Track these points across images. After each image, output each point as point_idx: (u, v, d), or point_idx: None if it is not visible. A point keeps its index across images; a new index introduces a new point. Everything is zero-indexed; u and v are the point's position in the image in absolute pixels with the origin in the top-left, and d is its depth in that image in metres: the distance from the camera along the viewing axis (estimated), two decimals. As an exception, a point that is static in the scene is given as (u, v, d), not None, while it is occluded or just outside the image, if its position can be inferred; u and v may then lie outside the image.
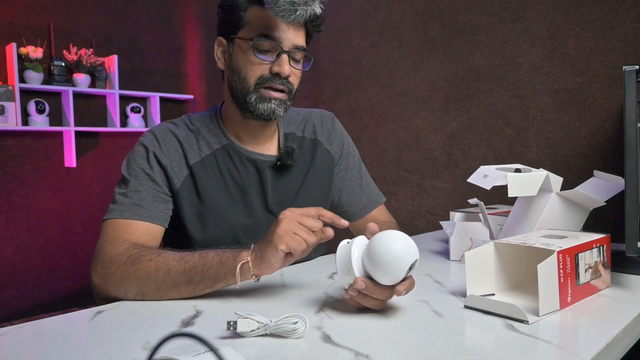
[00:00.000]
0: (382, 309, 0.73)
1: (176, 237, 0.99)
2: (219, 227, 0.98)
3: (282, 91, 0.95)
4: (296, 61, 0.97)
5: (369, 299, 0.70)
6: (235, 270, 0.76)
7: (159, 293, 0.80)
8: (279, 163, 1.03)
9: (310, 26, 0.97)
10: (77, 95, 2.68)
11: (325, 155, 1.12)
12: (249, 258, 0.76)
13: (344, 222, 0.77)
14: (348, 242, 0.73)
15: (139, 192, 0.93)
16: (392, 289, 0.69)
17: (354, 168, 1.17)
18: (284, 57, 0.93)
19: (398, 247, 0.67)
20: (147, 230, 0.91)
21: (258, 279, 0.78)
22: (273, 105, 0.95)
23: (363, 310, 0.73)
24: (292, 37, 0.94)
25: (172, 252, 0.82)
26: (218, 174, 0.99)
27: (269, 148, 1.05)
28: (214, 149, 1.00)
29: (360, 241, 0.72)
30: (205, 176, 0.98)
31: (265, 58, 0.93)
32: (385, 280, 0.68)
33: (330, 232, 0.76)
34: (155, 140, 0.97)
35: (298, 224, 0.74)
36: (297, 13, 0.88)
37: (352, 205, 1.16)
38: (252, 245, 0.78)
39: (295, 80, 0.98)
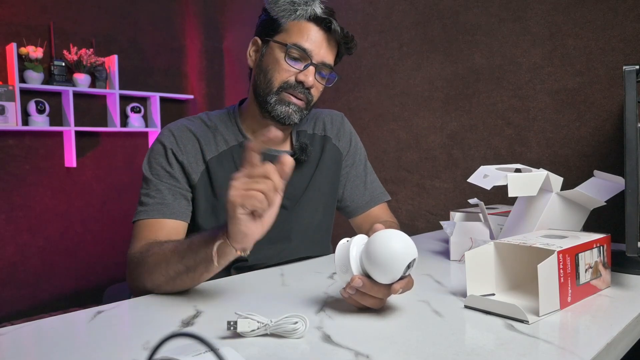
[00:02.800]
0: (382, 309, 0.73)
1: (189, 230, 1.01)
2: None
3: (301, 100, 0.99)
4: (322, 76, 1.02)
5: (367, 298, 0.70)
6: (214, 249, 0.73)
7: (169, 285, 0.81)
8: (293, 158, 1.05)
9: (344, 48, 1.03)
10: (77, 95, 2.68)
11: (333, 150, 1.15)
12: (225, 236, 0.73)
13: (285, 158, 0.68)
14: (347, 241, 0.73)
15: (160, 192, 0.96)
16: (389, 288, 0.69)
17: (360, 165, 1.20)
18: (311, 68, 0.98)
19: (396, 246, 0.67)
20: (171, 227, 0.94)
21: (245, 253, 0.74)
22: (290, 110, 0.98)
23: (363, 310, 0.73)
24: (324, 53, 0.99)
25: (170, 242, 0.84)
26: (234, 169, 1.01)
27: (283, 145, 1.09)
28: (231, 145, 1.03)
29: (359, 240, 0.72)
30: (221, 171, 1.00)
31: (294, 65, 0.98)
32: (383, 279, 0.68)
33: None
34: (172, 136, 1.00)
35: (248, 180, 0.68)
36: (297, 13, 0.90)
37: (354, 200, 1.18)
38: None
39: (316, 93, 1.02)
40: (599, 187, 1.00)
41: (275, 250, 1.05)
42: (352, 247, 0.71)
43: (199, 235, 0.79)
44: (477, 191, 1.60)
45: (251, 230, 0.70)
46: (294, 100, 0.98)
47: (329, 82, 1.04)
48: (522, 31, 1.52)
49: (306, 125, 1.14)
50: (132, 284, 0.88)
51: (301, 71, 0.97)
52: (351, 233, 1.05)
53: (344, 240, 0.73)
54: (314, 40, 0.98)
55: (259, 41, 1.03)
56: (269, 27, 1.00)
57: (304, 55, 0.97)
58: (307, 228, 1.10)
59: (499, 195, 1.53)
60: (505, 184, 0.92)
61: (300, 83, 0.98)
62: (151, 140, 2.99)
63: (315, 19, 0.98)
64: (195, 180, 0.99)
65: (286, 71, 0.98)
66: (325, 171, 1.12)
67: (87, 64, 2.62)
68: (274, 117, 0.99)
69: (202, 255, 0.76)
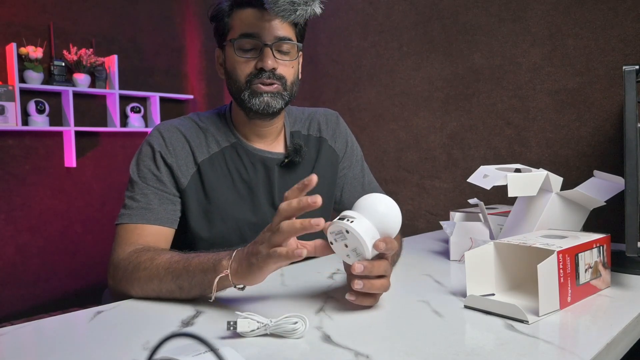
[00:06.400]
0: (382, 309, 0.73)
1: (182, 235, 1.00)
2: (225, 224, 0.99)
3: (271, 84, 0.95)
4: (283, 53, 0.97)
5: (373, 281, 0.70)
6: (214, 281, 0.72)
7: (159, 297, 0.81)
8: (286, 160, 1.04)
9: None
10: (77, 95, 2.68)
11: (330, 152, 1.13)
12: (228, 271, 0.71)
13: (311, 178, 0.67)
14: (350, 219, 0.69)
15: (146, 196, 0.94)
16: (383, 261, 0.70)
17: (357, 166, 1.18)
18: (266, 51, 0.94)
19: (385, 198, 0.73)
20: (156, 233, 0.92)
21: (243, 288, 0.73)
22: (266, 99, 0.95)
23: (363, 310, 0.73)
24: (273, 30, 0.94)
25: (164, 257, 0.81)
26: (226, 171, 1.00)
27: (277, 146, 1.07)
28: (223, 146, 1.01)
29: (354, 213, 0.71)
30: (213, 173, 0.99)
31: (249, 56, 0.95)
32: (394, 230, 0.71)
33: (318, 222, 0.65)
34: (161, 139, 0.98)
35: (273, 237, 0.67)
36: (297, 13, 0.89)
37: (353, 202, 1.16)
38: (234, 254, 0.73)
39: (286, 71, 0.97)
40: (599, 187, 1.00)
41: None
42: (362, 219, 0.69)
43: (197, 258, 0.77)
44: (477, 191, 1.60)
45: (263, 279, 0.71)
46: (264, 88, 0.95)
47: (292, 55, 0.98)
48: (522, 31, 1.52)
49: (300, 126, 1.11)
50: (117, 289, 0.85)
51: (258, 57, 0.94)
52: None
53: (347, 223, 0.68)
54: (255, 23, 0.94)
55: (219, 51, 1.02)
56: (220, 34, 1.00)
57: (254, 42, 0.94)
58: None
59: (499, 195, 1.53)
60: (505, 184, 0.92)
61: (261, 69, 0.94)
62: (151, 140, 2.99)
63: (248, 3, 0.95)
64: (184, 183, 0.97)
65: (244, 64, 0.95)
66: (322, 173, 1.10)
67: (87, 64, 2.62)
68: (256, 113, 0.96)
69: (198, 280, 0.75)
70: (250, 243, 0.72)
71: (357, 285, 0.69)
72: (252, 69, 0.95)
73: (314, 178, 0.67)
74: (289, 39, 0.96)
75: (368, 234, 0.68)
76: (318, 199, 0.65)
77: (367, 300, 0.72)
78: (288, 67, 0.98)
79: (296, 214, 0.67)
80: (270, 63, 0.94)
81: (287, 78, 0.97)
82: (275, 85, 0.96)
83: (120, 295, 0.85)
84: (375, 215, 0.70)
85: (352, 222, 0.68)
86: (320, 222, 0.64)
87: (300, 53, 1.05)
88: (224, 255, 0.74)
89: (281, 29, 0.95)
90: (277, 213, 0.68)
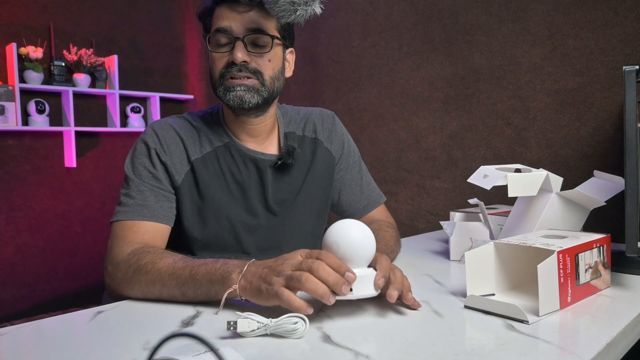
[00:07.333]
0: (382, 309, 0.73)
1: (176, 235, 0.99)
2: (219, 224, 0.98)
3: (242, 77, 0.94)
4: (258, 46, 0.95)
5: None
6: (223, 294, 0.72)
7: (160, 299, 0.80)
8: (279, 162, 1.02)
9: (267, 6, 0.92)
10: (77, 95, 2.68)
11: (325, 154, 1.11)
12: (236, 286, 0.71)
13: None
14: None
15: (142, 193, 0.93)
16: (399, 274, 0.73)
17: (354, 167, 1.16)
18: (236, 44, 0.93)
19: (351, 223, 0.72)
20: (152, 230, 0.91)
21: (247, 300, 0.73)
22: (239, 93, 0.93)
23: (363, 310, 0.73)
24: (245, 23, 0.93)
25: (167, 260, 0.80)
26: (219, 171, 0.99)
27: (270, 147, 1.05)
28: (216, 146, 1.00)
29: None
30: (206, 172, 0.98)
31: (222, 51, 0.95)
32: (374, 245, 0.72)
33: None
34: (155, 136, 0.97)
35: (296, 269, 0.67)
36: (298, 13, 0.89)
37: (351, 205, 1.15)
38: (245, 268, 0.72)
39: (261, 64, 0.95)
40: (599, 187, 1.00)
41: (266, 259, 1.01)
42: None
43: (204, 266, 0.76)
44: (477, 191, 1.60)
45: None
46: (236, 82, 0.93)
47: (266, 48, 0.94)
48: (522, 31, 1.52)
49: (295, 127, 1.09)
50: (116, 289, 0.84)
51: (230, 51, 0.93)
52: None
53: (350, 296, 0.68)
54: (227, 17, 0.93)
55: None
56: (204, 33, 1.00)
57: (226, 37, 0.93)
58: (299, 235, 1.06)
59: (498, 195, 1.53)
60: (505, 184, 0.92)
61: (232, 63, 0.93)
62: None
63: (224, 0, 0.94)
64: (178, 181, 0.96)
65: (219, 60, 0.95)
66: (317, 176, 1.08)
67: (87, 64, 2.62)
68: (234, 108, 0.95)
69: (204, 290, 0.75)
70: (268, 262, 0.72)
71: (392, 297, 0.69)
72: (225, 63, 0.94)
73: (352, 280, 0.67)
74: (262, 32, 0.94)
75: (367, 285, 0.69)
76: (351, 279, 0.67)
77: (410, 294, 0.73)
78: (264, 61, 0.95)
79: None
80: (239, 56, 0.92)
81: (263, 72, 0.95)
82: (251, 80, 0.94)
83: (118, 296, 0.85)
84: (354, 247, 0.70)
85: (350, 289, 0.67)
86: (345, 290, 0.66)
87: (290, 49, 1.03)
88: (233, 267, 0.74)
89: (255, 22, 0.93)
90: (307, 262, 0.67)
